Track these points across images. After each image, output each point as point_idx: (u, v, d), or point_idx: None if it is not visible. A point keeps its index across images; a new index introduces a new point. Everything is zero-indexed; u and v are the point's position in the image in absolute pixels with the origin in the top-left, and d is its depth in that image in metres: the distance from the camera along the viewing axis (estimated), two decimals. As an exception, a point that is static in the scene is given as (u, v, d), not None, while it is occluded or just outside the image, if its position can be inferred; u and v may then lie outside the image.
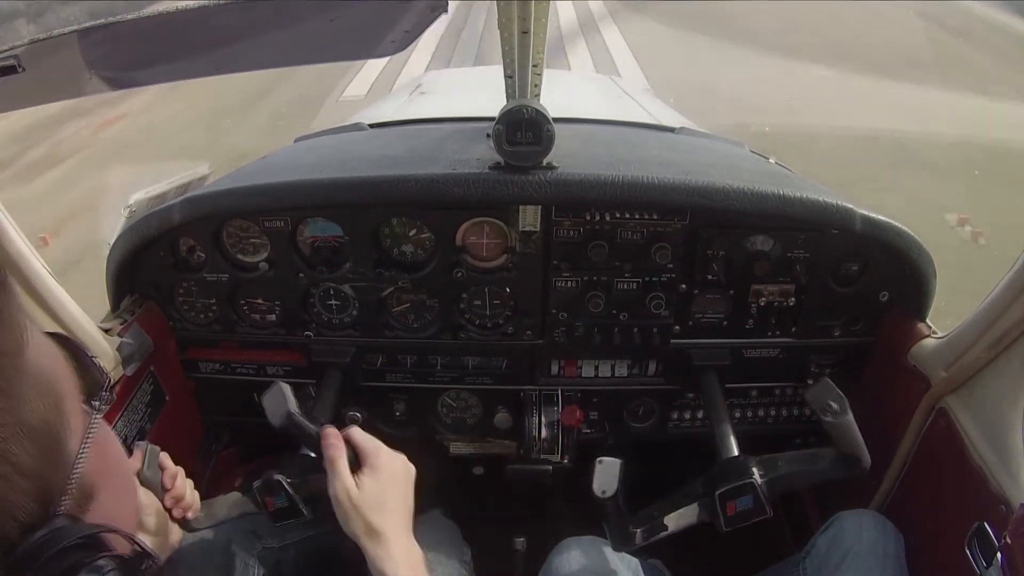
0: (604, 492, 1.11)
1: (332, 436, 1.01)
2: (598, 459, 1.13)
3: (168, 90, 6.15)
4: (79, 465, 0.50)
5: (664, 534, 1.16)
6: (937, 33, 7.67)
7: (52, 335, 0.55)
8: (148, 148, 5.58)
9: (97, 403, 0.56)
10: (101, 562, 0.46)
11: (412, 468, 1.05)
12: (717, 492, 1.14)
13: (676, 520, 1.17)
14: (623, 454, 1.49)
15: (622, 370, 1.52)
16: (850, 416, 1.10)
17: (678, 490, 1.20)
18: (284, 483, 1.13)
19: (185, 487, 1.11)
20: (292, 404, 1.06)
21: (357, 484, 0.98)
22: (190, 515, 1.13)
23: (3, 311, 0.47)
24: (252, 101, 6.44)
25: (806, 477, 1.17)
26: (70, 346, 0.56)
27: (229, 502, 1.21)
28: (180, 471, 1.11)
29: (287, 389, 1.07)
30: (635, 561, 1.24)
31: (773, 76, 6.50)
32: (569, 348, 1.48)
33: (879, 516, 1.24)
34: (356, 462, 1.02)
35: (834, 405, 1.11)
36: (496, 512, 1.81)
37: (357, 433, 1.04)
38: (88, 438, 0.52)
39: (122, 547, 0.50)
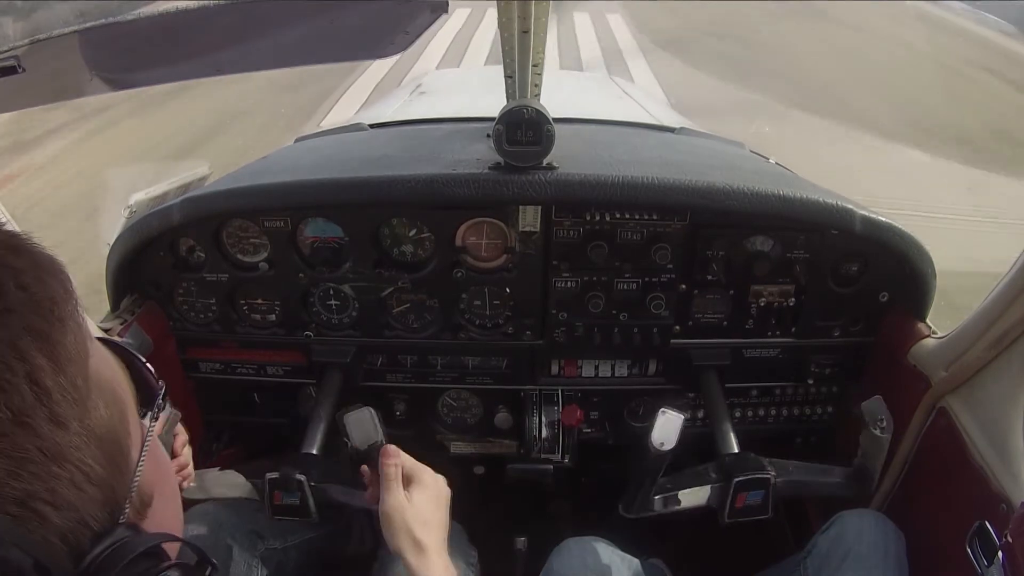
0: (663, 445, 1.10)
1: (392, 455, 1.05)
2: (661, 409, 1.12)
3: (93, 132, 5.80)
4: (139, 473, 0.51)
5: (673, 510, 1.19)
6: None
7: (106, 342, 0.55)
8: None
9: (154, 411, 0.57)
10: (170, 572, 0.47)
11: (449, 490, 1.09)
12: (735, 479, 1.16)
13: (687, 498, 1.20)
14: (623, 454, 1.50)
15: (622, 370, 1.52)
16: (889, 439, 1.19)
17: (690, 470, 1.21)
18: (305, 484, 1.16)
19: (189, 456, 1.16)
20: (382, 433, 1.09)
21: (409, 500, 1.02)
22: (186, 484, 1.17)
23: (70, 318, 0.47)
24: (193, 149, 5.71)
25: (814, 488, 1.22)
26: (124, 353, 0.57)
27: (223, 480, 1.22)
28: (187, 438, 1.16)
29: (376, 415, 1.09)
30: (636, 561, 1.24)
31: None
32: (569, 348, 1.48)
33: (880, 515, 1.24)
34: (404, 480, 1.05)
35: (884, 421, 1.21)
36: (497, 512, 1.81)
37: (404, 454, 1.09)
38: (146, 446, 0.53)
39: (184, 554, 0.51)
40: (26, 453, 0.41)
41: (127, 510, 0.48)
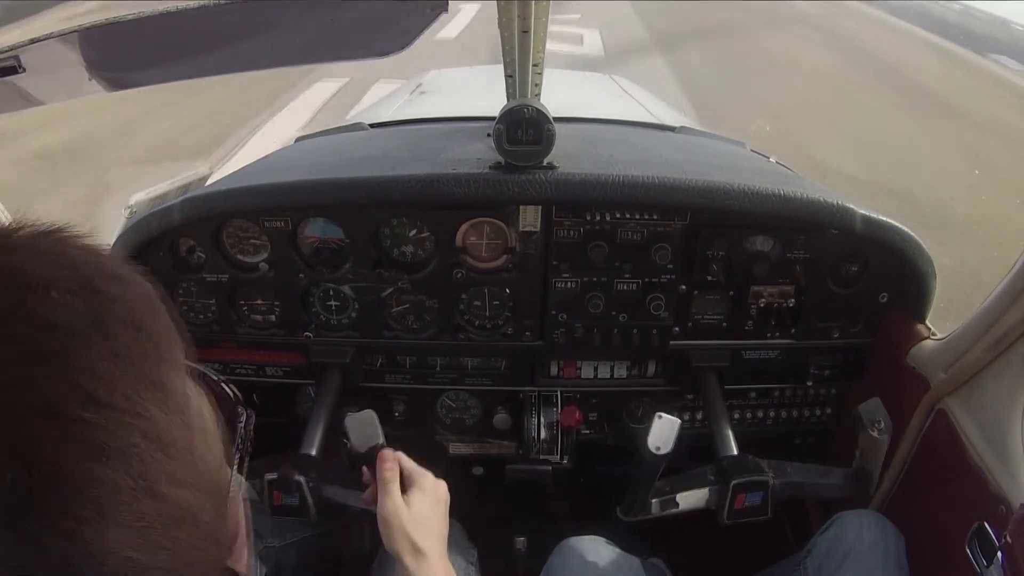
0: (659, 449, 1.11)
1: (389, 459, 1.05)
2: (657, 414, 1.12)
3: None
4: (231, 511, 0.47)
5: (672, 512, 1.19)
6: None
7: (194, 370, 0.49)
8: None
9: (241, 445, 0.52)
10: None
11: (448, 494, 1.09)
12: (733, 482, 1.17)
13: (685, 500, 1.20)
14: (622, 455, 1.49)
15: (621, 371, 1.52)
16: (887, 440, 1.20)
17: (688, 473, 1.21)
18: (304, 485, 1.16)
19: None
20: (382, 436, 1.09)
21: (406, 504, 1.02)
22: None
23: (175, 359, 0.42)
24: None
25: (813, 490, 1.22)
26: (210, 381, 0.51)
27: None
28: None
29: (376, 418, 1.09)
30: (636, 561, 1.24)
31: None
32: (568, 349, 1.48)
33: (880, 516, 1.24)
34: (402, 484, 1.06)
35: (882, 423, 1.22)
36: (496, 513, 1.81)
37: (404, 457, 1.09)
38: (234, 481, 0.48)
39: None
40: (148, 522, 0.37)
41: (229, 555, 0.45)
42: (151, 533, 0.37)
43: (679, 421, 1.13)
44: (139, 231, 1.33)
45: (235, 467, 0.49)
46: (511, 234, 1.37)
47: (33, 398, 0.35)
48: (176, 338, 0.44)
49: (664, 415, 1.12)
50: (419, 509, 1.01)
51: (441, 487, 1.08)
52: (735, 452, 1.26)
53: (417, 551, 0.97)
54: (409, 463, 1.08)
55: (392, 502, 1.01)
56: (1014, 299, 1.06)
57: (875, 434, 1.22)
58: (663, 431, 1.11)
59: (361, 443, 1.06)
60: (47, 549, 0.35)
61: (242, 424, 0.53)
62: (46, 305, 0.37)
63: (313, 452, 1.26)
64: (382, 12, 1.00)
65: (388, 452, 1.07)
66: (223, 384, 0.52)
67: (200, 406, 0.46)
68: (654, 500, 1.19)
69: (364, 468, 1.10)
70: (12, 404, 0.35)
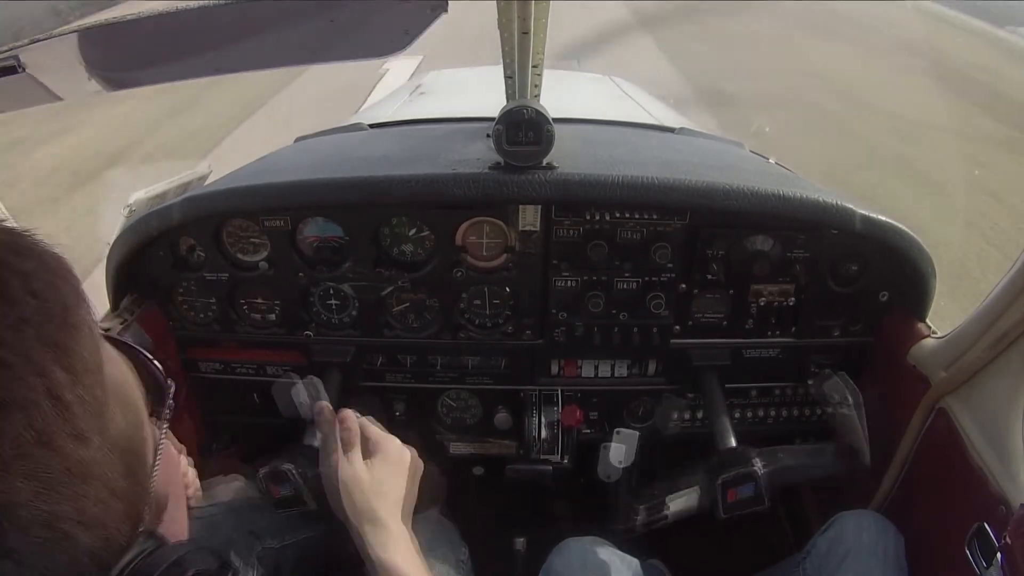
0: (620, 462, 1.11)
1: (350, 420, 1.01)
2: (616, 429, 1.13)
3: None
4: (154, 479, 0.49)
5: (663, 516, 1.19)
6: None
7: (113, 341, 0.52)
8: None
9: (166, 412, 0.54)
10: None
11: (420, 464, 1.05)
12: (719, 479, 1.17)
13: (676, 504, 1.19)
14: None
15: (622, 370, 1.52)
16: (862, 412, 1.14)
17: (678, 476, 1.21)
18: (293, 473, 1.16)
19: (190, 467, 1.12)
20: (326, 397, 1.08)
21: (368, 469, 0.98)
22: (192, 495, 1.14)
23: (84, 324, 0.44)
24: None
25: (806, 471, 1.21)
26: (131, 351, 0.54)
27: (230, 487, 1.22)
28: (183, 448, 1.13)
29: (319, 383, 1.07)
30: (635, 561, 1.24)
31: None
32: (569, 348, 1.48)
33: (879, 516, 1.24)
34: (366, 451, 1.02)
35: (850, 398, 1.20)
36: (496, 512, 1.81)
37: (368, 422, 1.05)
38: (159, 450, 0.50)
39: (202, 560, 0.49)
40: (51, 473, 0.39)
41: (146, 517, 0.47)
42: (55, 485, 0.39)
43: (637, 433, 1.16)
44: (138, 230, 1.34)
45: (161, 432, 0.51)
46: (511, 234, 1.37)
47: None
48: (87, 309, 0.45)
49: (622, 430, 1.13)
50: (379, 474, 0.97)
51: (407, 454, 1.03)
52: (734, 445, 1.26)
53: (374, 518, 0.94)
54: (375, 429, 1.03)
55: (351, 467, 0.96)
56: (1014, 298, 1.06)
57: (845, 411, 1.19)
58: (619, 449, 1.12)
59: (303, 411, 1.04)
60: None
61: (169, 396, 0.55)
62: None
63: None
64: (382, 12, 1.01)
65: (349, 412, 1.01)
66: (145, 355, 0.55)
67: (117, 372, 0.48)
68: (642, 507, 1.19)
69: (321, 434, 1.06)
70: None
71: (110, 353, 0.49)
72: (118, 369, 0.49)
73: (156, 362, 0.56)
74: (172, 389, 0.57)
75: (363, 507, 0.95)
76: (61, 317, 0.43)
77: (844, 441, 1.27)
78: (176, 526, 0.53)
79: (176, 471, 0.58)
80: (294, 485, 1.17)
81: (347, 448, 0.99)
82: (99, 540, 0.42)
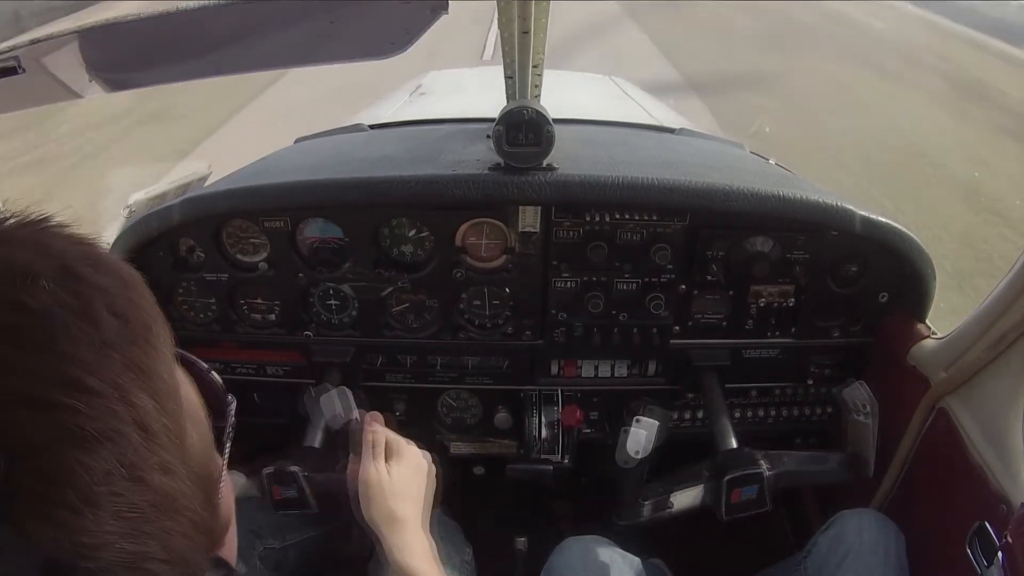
0: (637, 453, 1.11)
1: (378, 424, 1.04)
2: (635, 417, 1.12)
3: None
4: (222, 503, 0.46)
5: (667, 513, 1.19)
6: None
7: (180, 357, 0.48)
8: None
9: (229, 429, 0.51)
10: None
11: (434, 467, 1.07)
12: (726, 478, 1.17)
13: (680, 500, 1.20)
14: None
15: (622, 370, 1.52)
16: (875, 422, 1.19)
17: (683, 471, 1.21)
18: (299, 475, 1.16)
19: None
20: (355, 409, 1.10)
21: (389, 472, 0.99)
22: None
23: (162, 344, 0.42)
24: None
25: (811, 477, 1.22)
26: (196, 368, 0.51)
27: (233, 482, 1.22)
28: None
29: (350, 394, 1.08)
30: (637, 560, 1.24)
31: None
32: (569, 348, 1.48)
33: (880, 515, 1.24)
34: (388, 455, 1.03)
35: (867, 406, 1.22)
36: (497, 512, 1.81)
37: (386, 429, 1.07)
38: (224, 469, 0.48)
39: None
40: (140, 511, 0.37)
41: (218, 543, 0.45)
42: (142, 523, 0.37)
43: (657, 423, 1.13)
44: (138, 231, 1.34)
45: (225, 455, 0.49)
46: (511, 234, 1.37)
47: (17, 385, 0.35)
48: (163, 325, 0.43)
49: (642, 418, 1.12)
50: (398, 476, 0.99)
51: (424, 458, 1.05)
52: (735, 446, 1.26)
53: (395, 520, 0.95)
54: (393, 434, 1.05)
55: (375, 466, 0.98)
56: (1014, 298, 1.07)
57: (861, 418, 1.21)
58: (637, 437, 1.12)
59: (335, 421, 1.05)
60: (40, 541, 0.34)
61: (231, 413, 0.52)
62: (30, 295, 0.37)
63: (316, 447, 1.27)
64: (382, 12, 1.01)
65: (377, 415, 1.05)
66: (209, 372, 0.52)
67: (189, 394, 0.46)
68: (647, 502, 1.19)
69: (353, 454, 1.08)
70: None
71: (180, 372, 0.46)
72: (186, 387, 0.46)
73: (216, 376, 0.53)
74: (233, 405, 0.54)
75: (384, 511, 0.96)
76: (144, 338, 0.40)
77: (851, 449, 1.28)
78: (231, 545, 0.51)
79: (231, 490, 0.54)
80: (299, 487, 1.17)
81: (373, 452, 1.01)
82: None
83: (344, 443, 1.11)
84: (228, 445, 0.50)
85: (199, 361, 0.51)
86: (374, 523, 0.96)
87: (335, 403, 1.11)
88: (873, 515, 1.24)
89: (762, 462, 1.19)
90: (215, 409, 0.50)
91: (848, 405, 1.24)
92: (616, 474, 1.20)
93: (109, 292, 0.40)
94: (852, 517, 1.22)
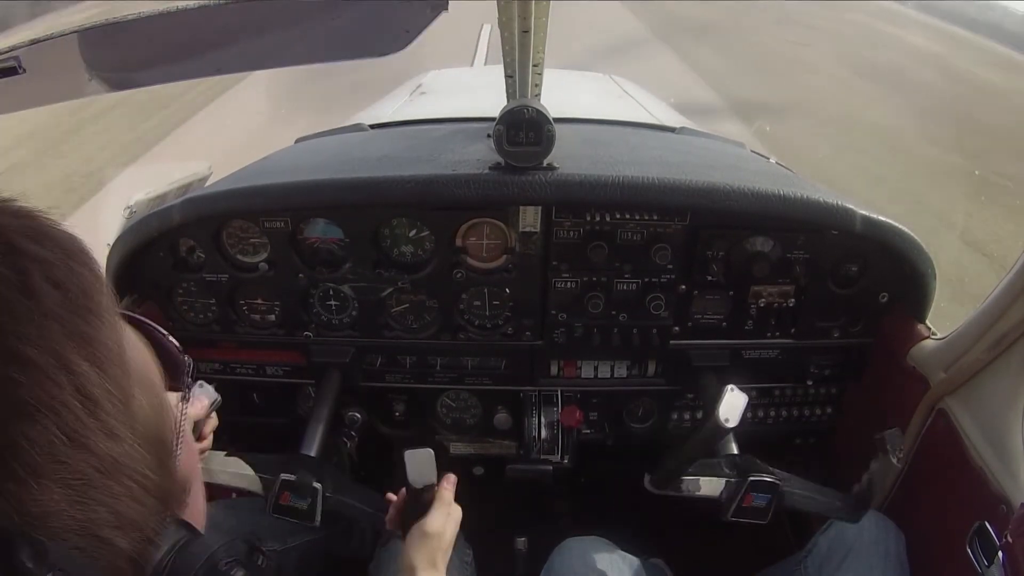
0: (727, 421, 1.11)
1: (452, 482, 1.14)
2: (729, 386, 1.12)
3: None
4: (178, 464, 0.46)
5: (689, 494, 1.22)
6: None
7: (129, 318, 0.48)
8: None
9: (185, 391, 0.51)
10: (234, 572, 0.45)
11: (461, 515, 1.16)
12: (750, 477, 1.19)
13: (706, 487, 1.23)
14: (622, 455, 1.49)
15: (621, 371, 1.52)
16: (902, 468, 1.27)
17: (703, 461, 1.23)
18: (320, 493, 1.18)
19: (208, 419, 1.11)
20: (435, 475, 1.13)
21: (444, 527, 1.08)
22: (204, 444, 1.15)
23: (105, 309, 0.42)
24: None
25: (814, 506, 1.25)
26: (147, 329, 0.50)
27: (228, 465, 1.22)
28: (217, 423, 1.13)
29: (433, 457, 1.12)
30: (636, 560, 1.24)
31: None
32: (568, 349, 1.48)
33: (880, 515, 1.24)
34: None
35: (901, 452, 1.29)
36: (497, 513, 1.81)
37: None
38: (180, 431, 0.48)
39: (234, 550, 0.48)
40: (86, 477, 0.37)
41: (174, 505, 0.45)
42: (88, 489, 0.37)
43: (746, 397, 1.12)
44: (139, 231, 1.33)
45: (181, 414, 0.49)
46: (511, 234, 1.37)
47: None
48: (106, 292, 0.43)
49: (735, 387, 1.12)
50: (450, 535, 1.08)
51: (458, 512, 1.13)
52: (735, 450, 1.26)
53: (434, 566, 1.03)
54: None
55: (440, 522, 1.07)
56: (1014, 299, 1.07)
57: (894, 460, 1.28)
58: (733, 404, 1.11)
59: (418, 479, 1.10)
60: None
61: (188, 372, 0.53)
62: None
63: (313, 452, 1.26)
64: (382, 12, 1.01)
65: (452, 477, 1.15)
66: (160, 331, 0.52)
67: (139, 357, 0.46)
68: (685, 478, 1.21)
69: (389, 494, 1.16)
70: None
71: (128, 334, 0.46)
72: (137, 351, 0.46)
73: (171, 337, 0.53)
74: (190, 365, 0.54)
75: (428, 558, 1.04)
76: (84, 306, 0.40)
77: (864, 486, 1.33)
78: (196, 506, 0.51)
79: (193, 450, 0.55)
80: (311, 502, 1.18)
81: (444, 504, 1.10)
82: (137, 542, 0.40)
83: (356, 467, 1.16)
84: (185, 407, 0.50)
85: (153, 324, 0.51)
86: (413, 563, 1.02)
87: (430, 465, 1.13)
88: (873, 515, 1.24)
89: (777, 472, 1.22)
90: (172, 371, 0.51)
91: (887, 446, 1.30)
92: (686, 440, 1.19)
93: (49, 263, 0.40)
94: None
